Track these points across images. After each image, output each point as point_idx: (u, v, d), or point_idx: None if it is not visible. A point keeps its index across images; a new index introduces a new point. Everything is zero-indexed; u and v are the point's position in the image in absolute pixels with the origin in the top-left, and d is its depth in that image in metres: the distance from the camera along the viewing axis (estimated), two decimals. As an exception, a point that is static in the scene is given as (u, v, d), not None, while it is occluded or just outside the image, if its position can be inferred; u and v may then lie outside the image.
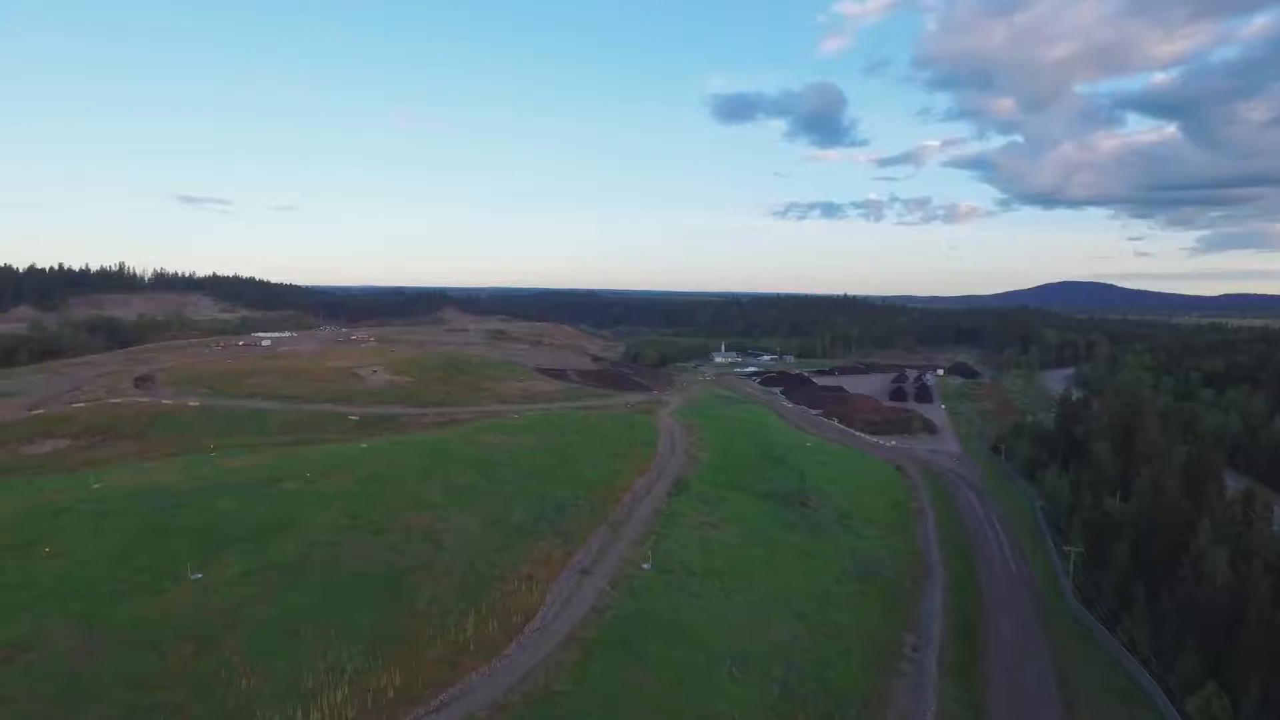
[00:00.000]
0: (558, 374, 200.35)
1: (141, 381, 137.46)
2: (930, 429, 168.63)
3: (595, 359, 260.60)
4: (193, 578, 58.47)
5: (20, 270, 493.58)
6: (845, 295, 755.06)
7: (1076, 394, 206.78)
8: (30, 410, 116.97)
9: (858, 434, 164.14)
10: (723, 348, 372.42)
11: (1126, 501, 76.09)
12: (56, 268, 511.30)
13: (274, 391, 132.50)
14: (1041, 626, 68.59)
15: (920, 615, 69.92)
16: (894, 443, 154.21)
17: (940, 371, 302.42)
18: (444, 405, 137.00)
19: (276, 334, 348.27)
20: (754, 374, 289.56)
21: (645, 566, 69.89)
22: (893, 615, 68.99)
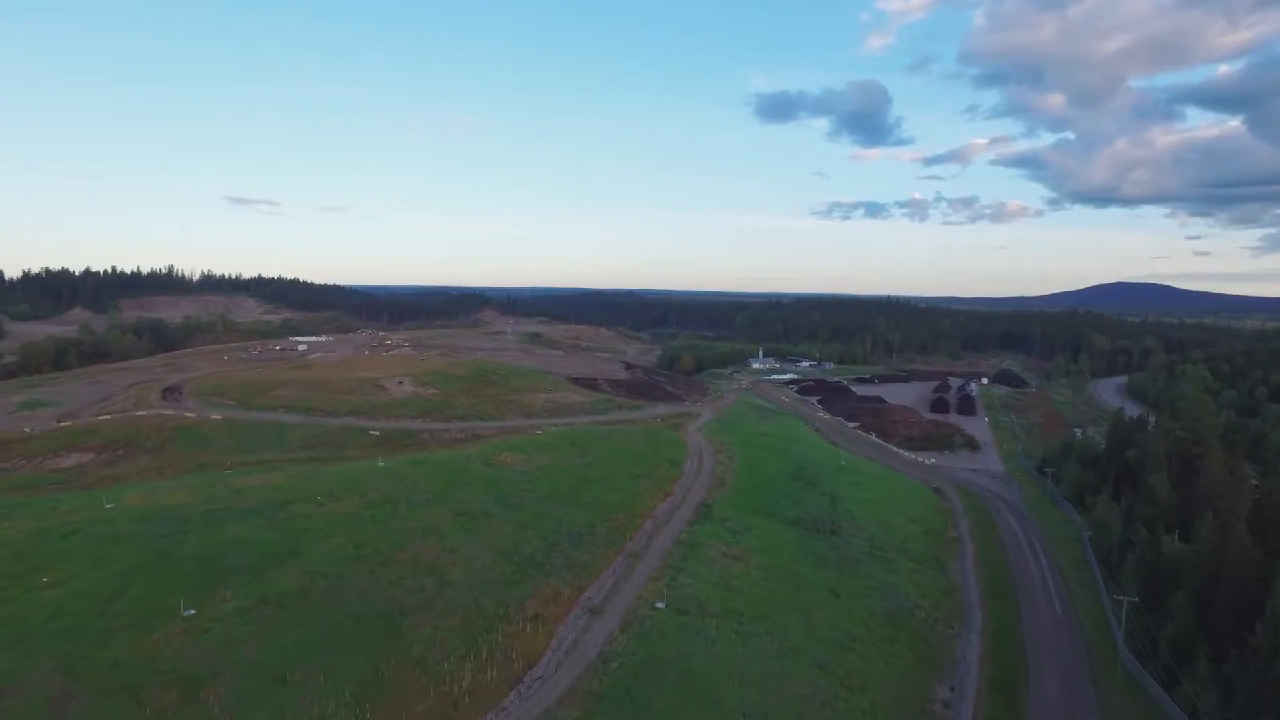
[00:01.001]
0: (589, 383, 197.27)
1: (169, 392, 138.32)
2: (972, 445, 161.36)
3: (628, 366, 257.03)
4: (185, 614, 56.47)
5: (76, 274, 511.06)
6: (888, 297, 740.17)
7: (1129, 411, 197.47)
8: (59, 422, 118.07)
9: (896, 450, 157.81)
10: (760, 354, 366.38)
11: (1187, 542, 69.71)
12: (110, 270, 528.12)
13: (297, 404, 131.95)
14: (1089, 681, 62.90)
15: (954, 664, 64.89)
16: (933, 460, 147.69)
17: (985, 380, 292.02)
18: (468, 419, 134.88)
19: (313, 338, 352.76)
20: (791, 382, 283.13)
21: (659, 605, 66.07)
22: (924, 664, 64.08)
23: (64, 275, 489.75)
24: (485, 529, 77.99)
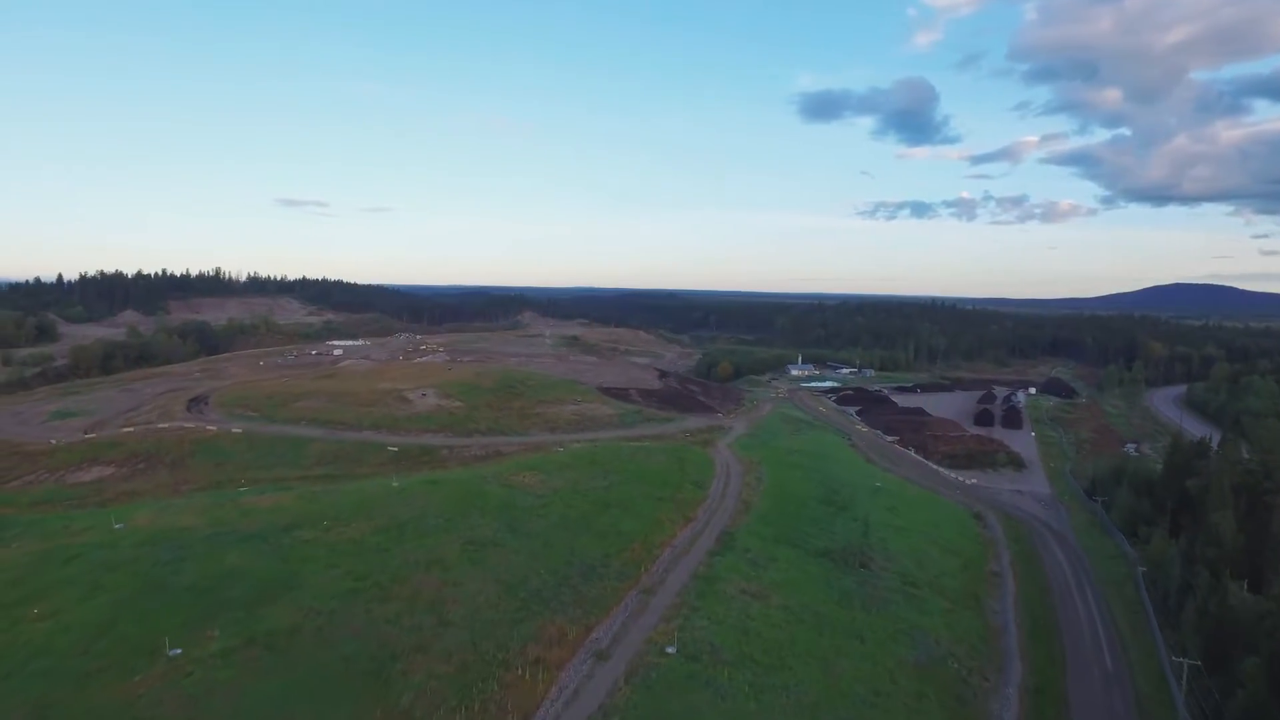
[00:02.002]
0: (620, 394, 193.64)
1: (194, 403, 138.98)
2: (1016, 464, 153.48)
3: (662, 374, 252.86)
4: (170, 654, 54.18)
5: (129, 276, 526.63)
6: (933, 300, 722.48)
7: (1188, 427, 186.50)
8: (85, 433, 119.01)
9: (935, 468, 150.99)
10: (799, 360, 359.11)
11: (1258, 594, 62.99)
12: (160, 273, 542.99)
13: (319, 416, 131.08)
14: (1144, 749, 56.97)
15: (991, 726, 59.39)
16: (974, 481, 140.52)
17: (1032, 390, 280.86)
18: (490, 433, 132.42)
19: (350, 342, 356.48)
20: (830, 390, 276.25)
21: (670, 650, 61.82)
22: (957, 725, 58.73)
23: (117, 278, 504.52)
24: (493, 560, 74.71)
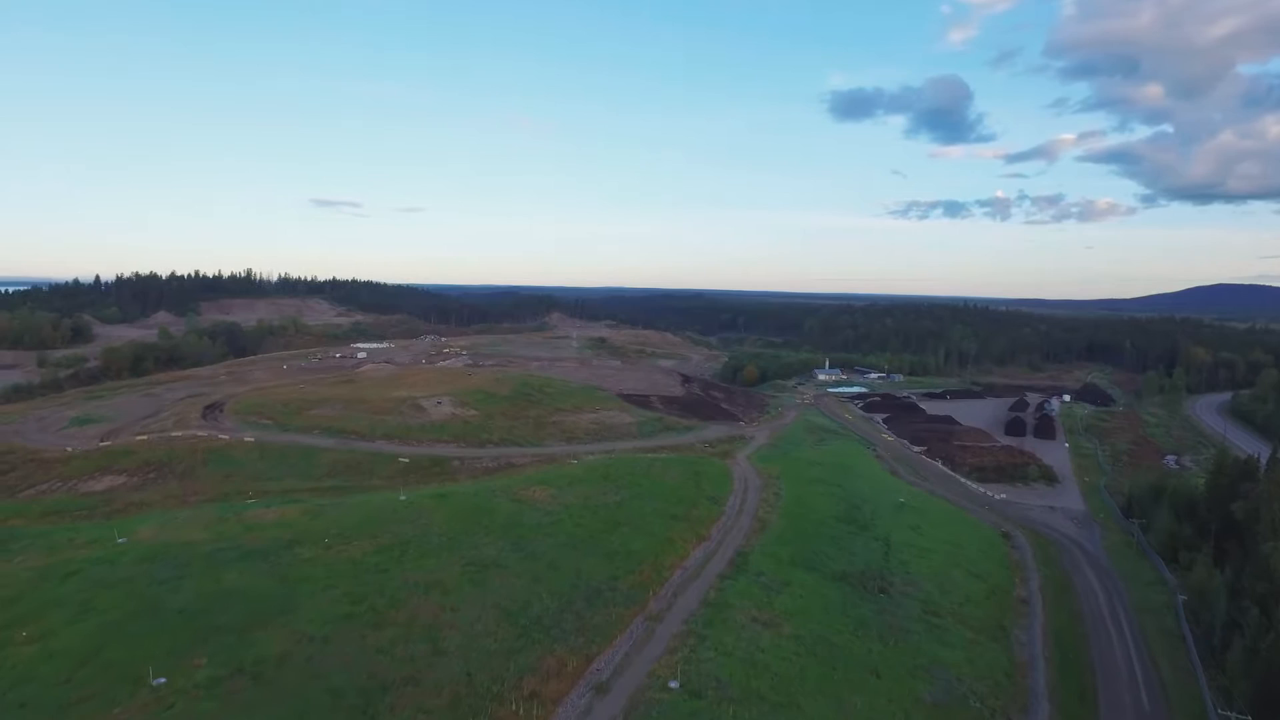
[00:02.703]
0: (641, 401, 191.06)
1: (210, 410, 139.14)
2: (1049, 477, 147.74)
3: (685, 380, 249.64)
4: (154, 683, 52.55)
5: (163, 277, 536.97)
6: (965, 302, 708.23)
7: (1233, 439, 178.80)
8: (101, 441, 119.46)
9: (963, 481, 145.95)
10: (826, 364, 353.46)
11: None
12: (193, 274, 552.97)
13: (333, 425, 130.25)
14: (1183, 805, 52.71)
15: (1016, 775, 55.53)
16: (1004, 496, 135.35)
17: (1067, 397, 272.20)
18: (504, 444, 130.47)
19: (375, 344, 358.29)
20: (857, 396, 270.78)
21: (673, 685, 58.92)
22: (979, 774, 54.99)
23: (151, 279, 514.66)
24: (495, 583, 72.36)
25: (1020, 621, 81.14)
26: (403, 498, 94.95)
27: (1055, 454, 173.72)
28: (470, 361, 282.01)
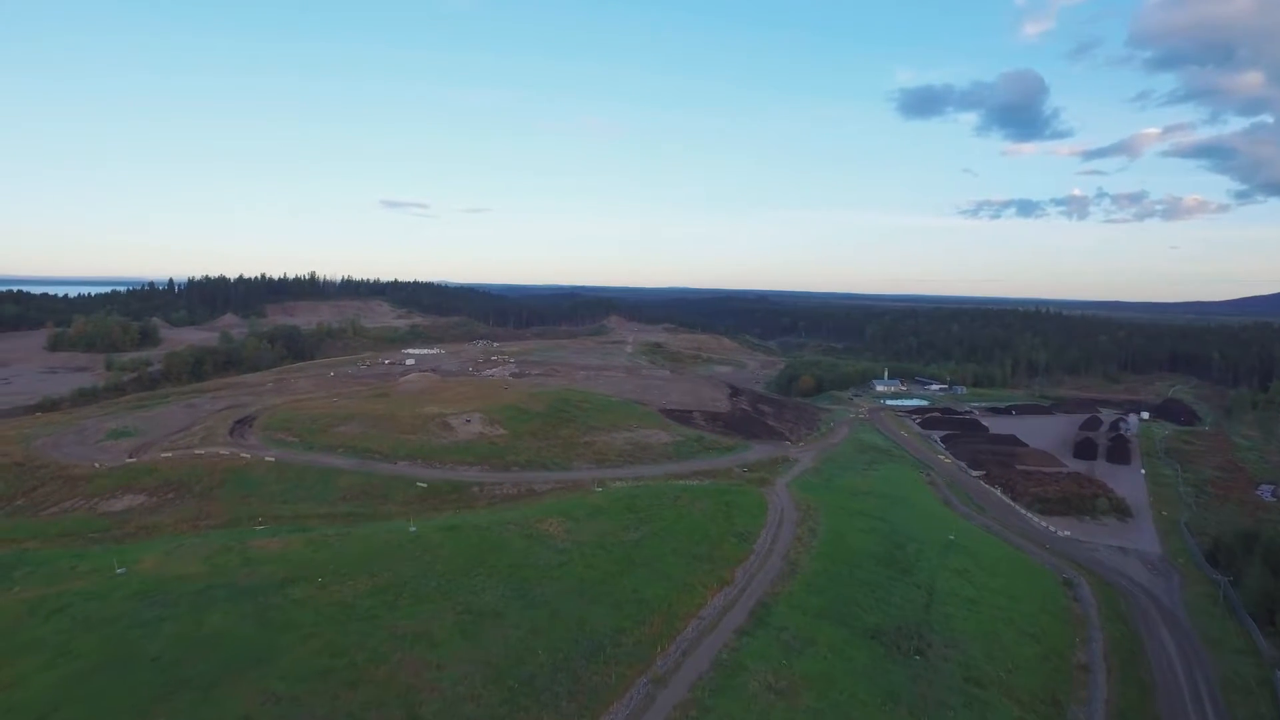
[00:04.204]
0: (682, 417, 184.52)
1: (239, 425, 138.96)
2: (1120, 511, 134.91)
3: (733, 393, 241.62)
4: (104, 752, 49.32)
5: (231, 280, 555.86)
6: (1039, 304, 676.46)
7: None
8: (129, 457, 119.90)
9: (1023, 512, 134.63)
10: (885, 375, 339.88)
11: None
12: (259, 277, 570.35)
13: (356, 444, 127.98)
14: None
15: None
16: (1068, 533, 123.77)
17: (1145, 414, 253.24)
18: (529, 467, 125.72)
19: (425, 350, 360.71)
20: (916, 410, 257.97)
21: (667, 771, 52.72)
22: None
23: (219, 282, 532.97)
24: (489, 635, 67.27)
25: (1079, 694, 71.73)
26: (412, 529, 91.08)
27: (1129, 482, 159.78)
28: (516, 370, 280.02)
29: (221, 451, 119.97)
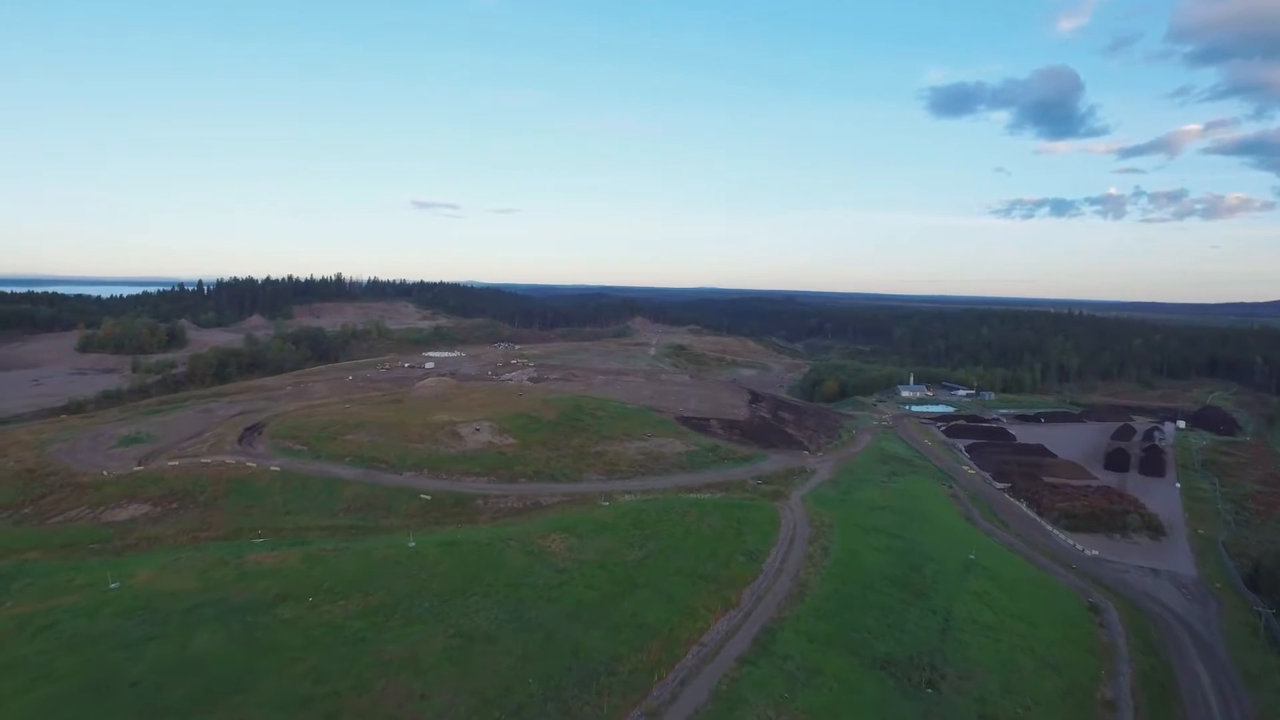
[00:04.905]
0: (699, 424, 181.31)
1: (249, 433, 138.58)
2: (1153, 529, 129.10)
3: (753, 399, 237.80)
4: (71, 786, 47.81)
5: (259, 282, 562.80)
6: (1072, 305, 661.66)
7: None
8: (136, 465, 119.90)
9: (1049, 529, 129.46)
10: (910, 380, 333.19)
11: None
12: (286, 278, 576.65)
13: (363, 453, 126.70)
14: None
15: None
16: (1096, 552, 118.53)
17: (1181, 423, 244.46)
18: (537, 479, 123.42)
19: (446, 353, 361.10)
20: (941, 418, 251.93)
21: (655, 817, 49.93)
22: None
23: (247, 283, 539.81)
24: (479, 661, 64.95)
25: (1104, 735, 67.52)
26: (411, 544, 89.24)
27: (1164, 496, 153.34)
28: (535, 374, 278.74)
29: (228, 460, 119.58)
